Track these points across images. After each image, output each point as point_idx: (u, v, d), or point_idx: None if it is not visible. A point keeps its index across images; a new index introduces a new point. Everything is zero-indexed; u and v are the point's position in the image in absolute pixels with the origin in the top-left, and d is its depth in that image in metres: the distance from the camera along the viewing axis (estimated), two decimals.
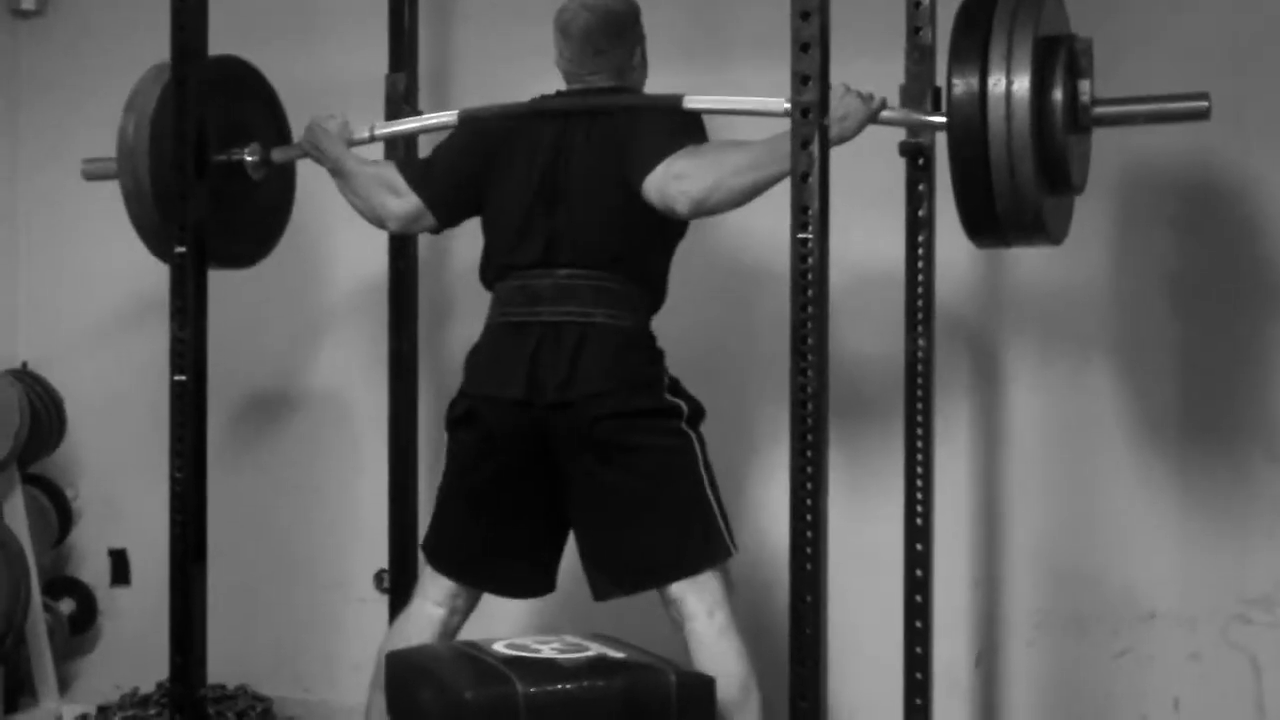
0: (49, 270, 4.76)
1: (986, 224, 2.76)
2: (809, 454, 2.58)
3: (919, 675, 3.24)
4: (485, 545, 3.15)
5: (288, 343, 4.44)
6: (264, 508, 4.37)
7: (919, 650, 3.24)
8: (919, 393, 3.24)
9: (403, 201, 3.24)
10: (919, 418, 3.24)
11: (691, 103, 3.05)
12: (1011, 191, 2.67)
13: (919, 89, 3.14)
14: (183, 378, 3.19)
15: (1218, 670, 3.54)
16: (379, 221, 3.30)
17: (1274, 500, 3.50)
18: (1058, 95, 2.71)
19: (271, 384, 4.42)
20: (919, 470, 3.24)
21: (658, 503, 3.01)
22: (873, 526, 3.47)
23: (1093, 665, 3.64)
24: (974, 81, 2.66)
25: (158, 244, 3.36)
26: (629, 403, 2.99)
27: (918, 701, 3.24)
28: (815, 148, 2.60)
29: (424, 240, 3.75)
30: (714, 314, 3.87)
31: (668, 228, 3.10)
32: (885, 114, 2.93)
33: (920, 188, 3.24)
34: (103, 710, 4.33)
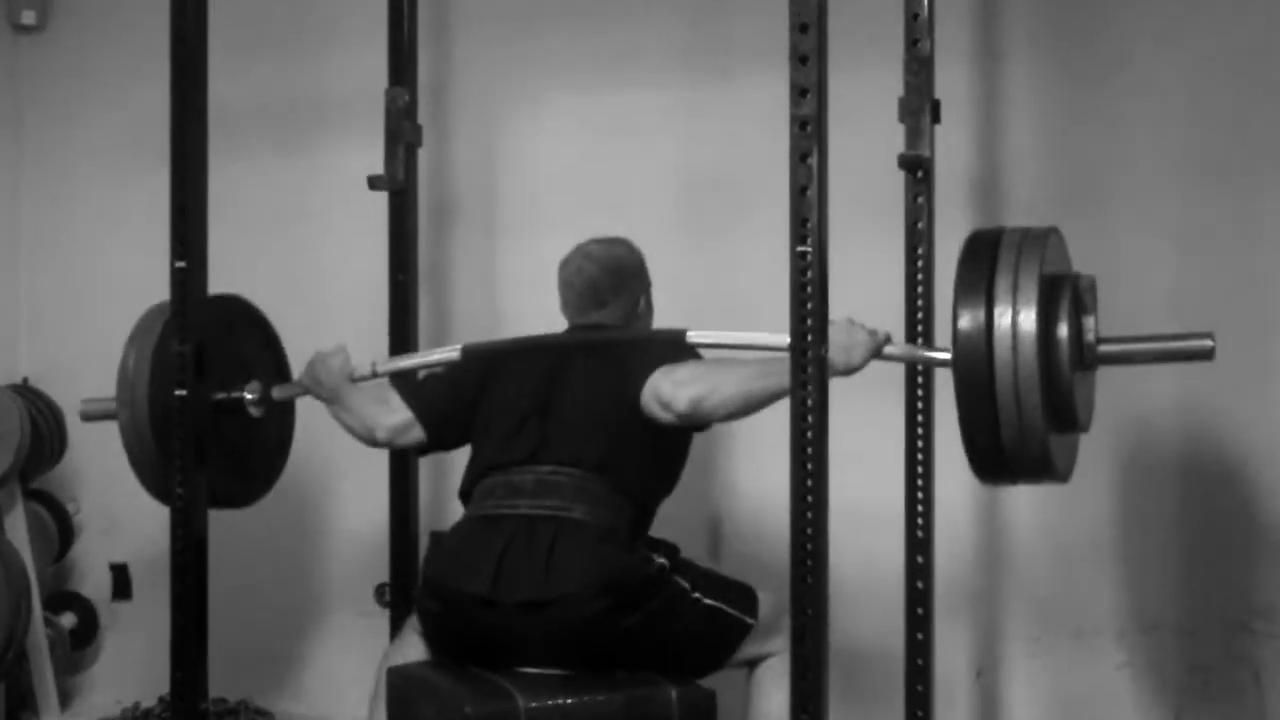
0: (50, 285, 4.77)
1: (993, 461, 2.68)
2: (809, 466, 2.58)
3: (920, 687, 3.24)
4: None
5: (291, 352, 4.43)
6: (265, 521, 4.36)
7: (920, 662, 3.24)
8: (919, 404, 3.24)
9: (394, 414, 3.23)
10: (919, 429, 3.24)
11: (695, 337, 3.02)
12: (1019, 428, 2.60)
13: (917, 101, 3.14)
14: (184, 392, 3.19)
15: (1220, 682, 3.54)
16: (369, 433, 3.27)
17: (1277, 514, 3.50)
18: (1063, 331, 2.65)
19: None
20: (920, 482, 3.24)
21: (671, 652, 2.92)
22: (873, 534, 3.46)
23: (1094, 677, 3.63)
24: (980, 316, 2.60)
25: (154, 480, 3.32)
26: (614, 596, 2.85)
27: (919, 713, 3.24)
28: (814, 160, 2.60)
29: (424, 249, 3.71)
30: None
31: (663, 452, 3.06)
32: (890, 350, 2.87)
33: (919, 200, 3.24)
34: None
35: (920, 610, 3.24)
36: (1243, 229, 3.51)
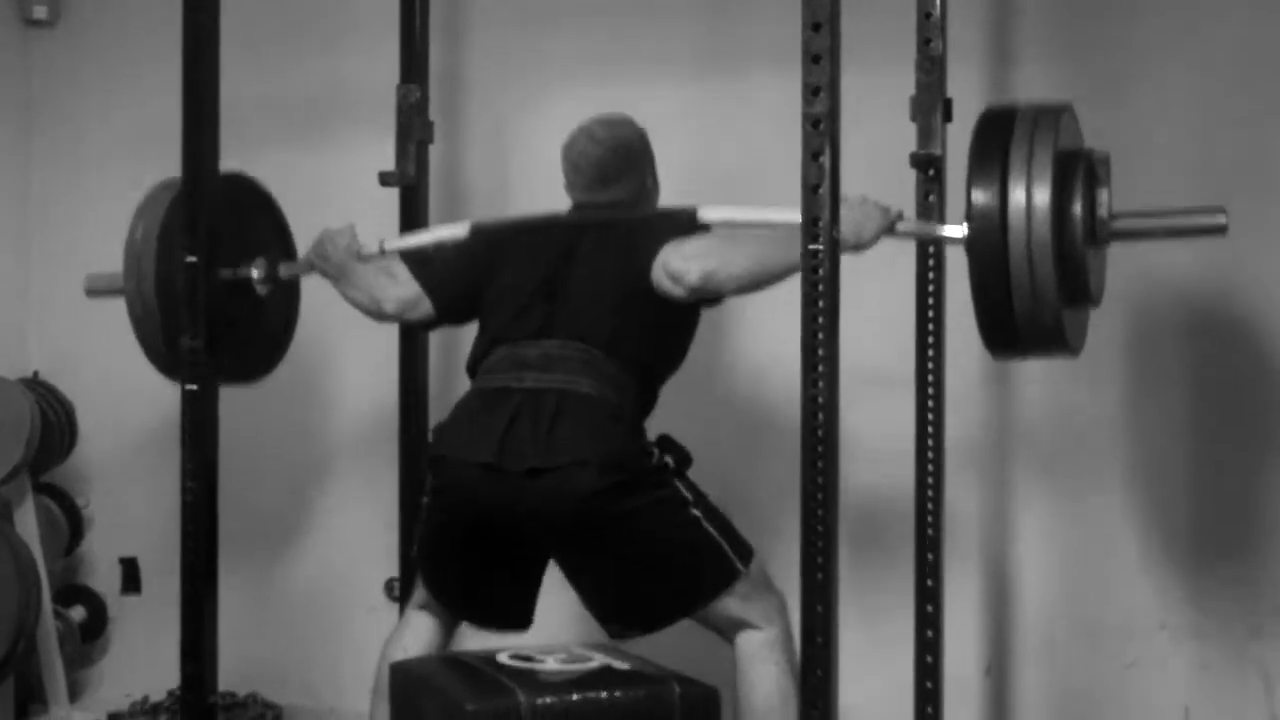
0: (60, 279, 4.76)
1: (1006, 337, 2.72)
2: (820, 465, 2.58)
3: (930, 684, 3.25)
4: (461, 589, 3.11)
5: (299, 349, 4.44)
6: (274, 515, 4.38)
7: (930, 659, 3.24)
8: (930, 402, 3.25)
9: (401, 287, 3.22)
10: (929, 422, 3.25)
11: (707, 214, 3.03)
12: (1031, 303, 2.64)
13: (929, 100, 3.14)
14: (194, 386, 3.20)
15: (1229, 681, 3.54)
16: (376, 306, 3.26)
17: None
18: (1078, 207, 2.68)
19: (283, 390, 4.42)
20: (930, 480, 3.24)
21: (658, 560, 2.92)
22: (884, 534, 3.47)
23: (1103, 675, 3.63)
24: (994, 194, 2.64)
25: (159, 355, 3.36)
26: (613, 476, 2.85)
27: (929, 710, 3.25)
28: (826, 159, 2.60)
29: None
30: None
31: (671, 329, 3.06)
32: (902, 226, 2.89)
33: (930, 198, 3.24)
34: (113, 718, 4.34)
35: (930, 608, 3.24)
36: (1252, 230, 3.51)
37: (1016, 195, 2.63)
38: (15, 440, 4.26)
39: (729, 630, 2.95)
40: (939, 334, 3.25)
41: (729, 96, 3.68)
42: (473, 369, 3.11)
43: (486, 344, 3.08)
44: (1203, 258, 3.37)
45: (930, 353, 3.24)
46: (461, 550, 3.04)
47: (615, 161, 3.14)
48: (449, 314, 3.24)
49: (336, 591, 4.35)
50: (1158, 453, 3.60)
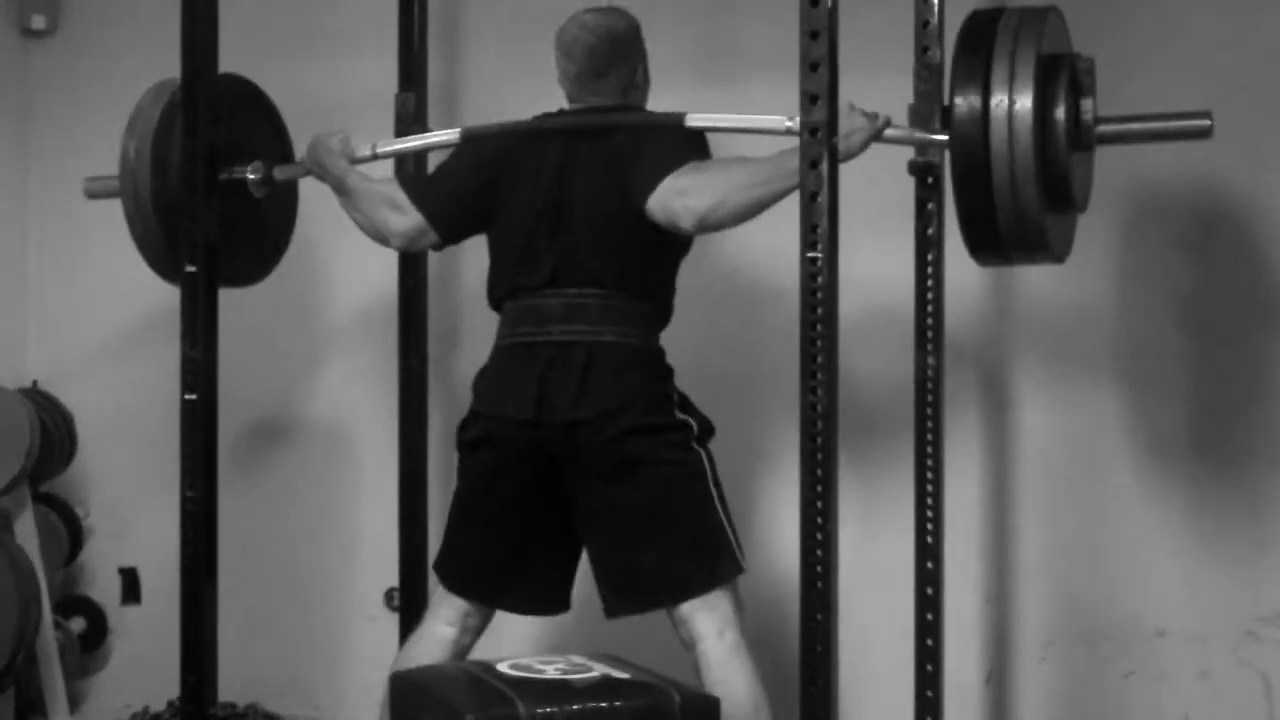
0: (59, 288, 4.77)
1: (989, 241, 2.77)
2: (819, 472, 2.58)
3: (930, 693, 3.24)
4: (499, 564, 3.15)
5: (298, 358, 4.45)
6: (274, 526, 4.38)
7: (930, 668, 3.24)
8: (929, 410, 3.25)
9: (405, 218, 3.23)
10: (929, 436, 3.25)
11: (694, 121, 3.05)
12: (1014, 209, 2.69)
13: (928, 108, 3.14)
14: (193, 396, 3.20)
15: (1229, 688, 3.54)
16: (381, 238, 3.29)
17: None
18: (1060, 113, 2.72)
19: (282, 402, 4.43)
20: (929, 489, 3.25)
21: (668, 520, 3.01)
22: (883, 544, 3.47)
23: (1103, 683, 3.63)
24: (976, 100, 2.68)
25: (160, 263, 3.38)
26: (639, 420, 2.99)
27: (929, 718, 3.24)
28: (824, 167, 2.61)
29: (433, 259, 3.76)
30: (722, 330, 3.88)
31: (672, 245, 3.12)
32: (889, 132, 2.92)
33: (929, 206, 3.25)
34: None
35: (930, 616, 3.24)
36: (1251, 233, 3.52)
37: (998, 99, 2.66)
38: (14, 450, 4.26)
39: (704, 630, 2.98)
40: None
41: (726, 105, 3.64)
42: (495, 305, 3.19)
43: (505, 288, 3.15)
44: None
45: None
46: (500, 508, 3.11)
47: (606, 49, 3.17)
48: (453, 239, 3.31)
49: (336, 602, 4.35)
50: (1158, 448, 3.60)
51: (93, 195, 3.55)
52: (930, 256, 3.24)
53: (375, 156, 3.34)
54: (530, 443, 3.04)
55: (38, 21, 4.74)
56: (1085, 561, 3.66)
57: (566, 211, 3.09)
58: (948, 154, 2.82)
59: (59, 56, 4.79)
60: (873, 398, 3.65)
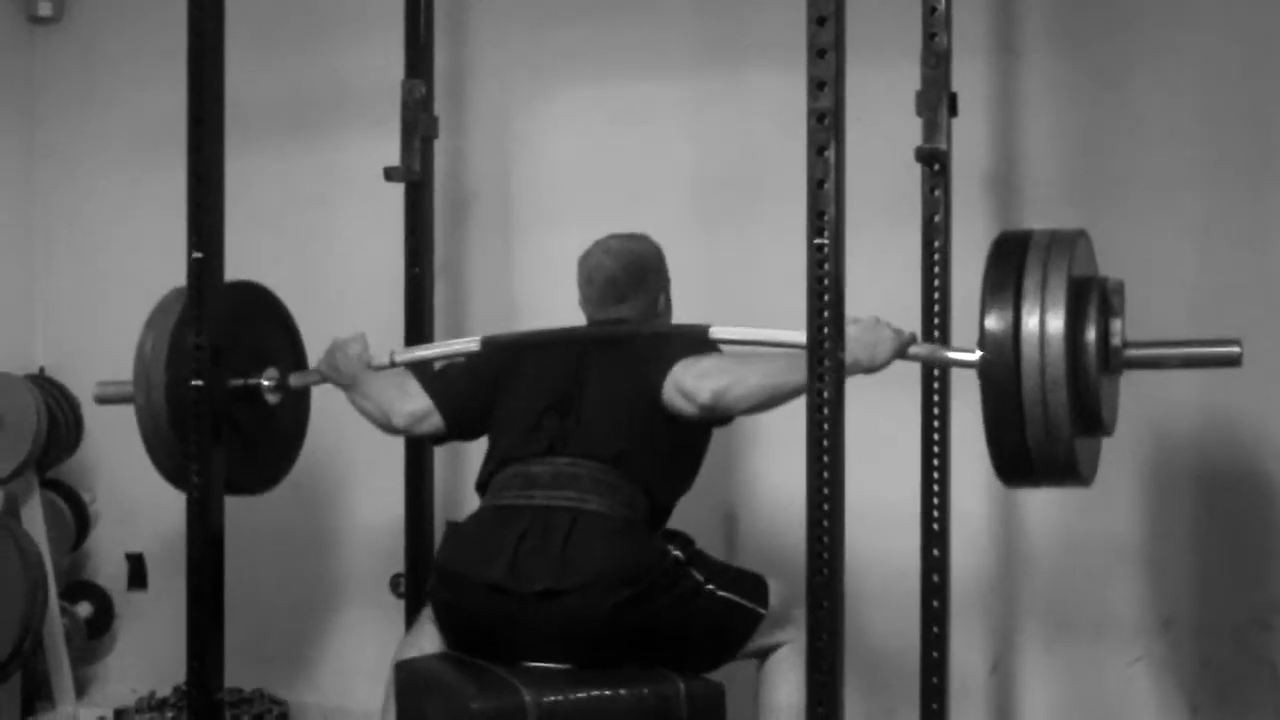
0: (66, 276, 4.78)
1: (1018, 463, 2.67)
2: (825, 459, 2.57)
3: (935, 681, 3.24)
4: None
5: (306, 346, 4.44)
6: (281, 512, 4.38)
7: (935, 656, 3.24)
8: (935, 397, 3.24)
9: (411, 401, 3.22)
10: (935, 422, 3.24)
11: (718, 333, 3.02)
12: (1045, 430, 2.59)
13: (934, 95, 3.14)
14: (200, 383, 3.20)
15: (1235, 677, 3.53)
16: (386, 419, 3.26)
17: None
18: (1091, 335, 2.63)
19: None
20: (935, 475, 3.24)
21: (682, 641, 2.91)
22: (889, 531, 3.46)
23: (1109, 672, 3.63)
24: (1009, 318, 2.59)
25: (169, 464, 3.33)
26: (631, 588, 2.84)
27: (934, 707, 3.24)
28: (831, 153, 2.60)
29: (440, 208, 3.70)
30: None
31: (682, 447, 3.06)
32: (914, 350, 2.86)
33: (936, 193, 3.24)
34: (120, 714, 4.35)
35: (936, 604, 3.24)
36: (1260, 225, 3.51)
37: (1030, 323, 2.58)
38: (22, 436, 4.27)
39: (762, 656, 2.98)
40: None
41: (732, 91, 3.67)
42: (482, 486, 3.10)
43: (496, 462, 3.08)
44: None
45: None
46: (479, 646, 2.98)
47: (628, 278, 3.16)
48: (458, 428, 3.24)
49: (343, 588, 4.36)
50: (1167, 434, 3.60)
51: (103, 400, 3.48)
52: (937, 243, 3.24)
53: (393, 364, 3.33)
54: (497, 612, 2.87)
55: (44, 8, 4.74)
56: (1092, 550, 3.65)
57: (577, 398, 3.03)
58: (958, 154, 2.75)
59: (65, 43, 4.79)
60: (878, 383, 3.64)
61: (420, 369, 3.37)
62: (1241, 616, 3.53)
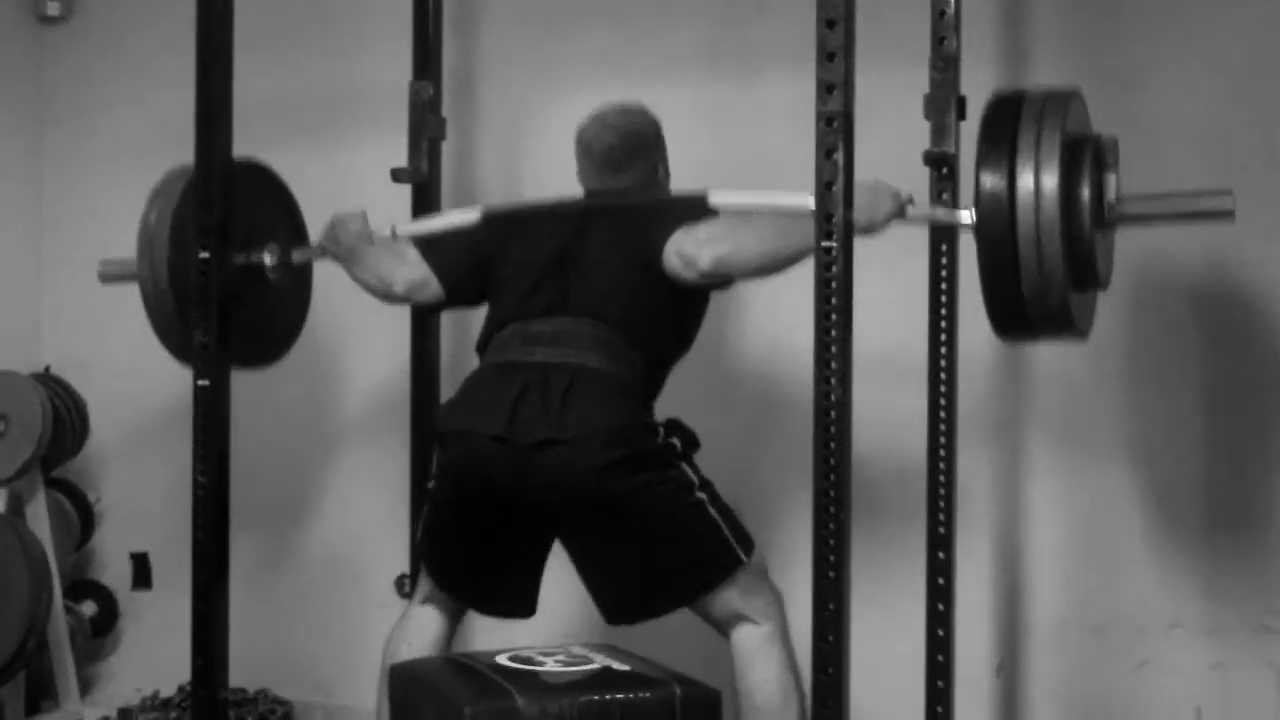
0: (72, 274, 4.77)
1: (1015, 318, 2.76)
2: (832, 445, 2.58)
3: (941, 683, 3.24)
4: (465, 574, 3.10)
5: (310, 345, 4.45)
6: (285, 512, 4.38)
7: (941, 658, 3.24)
8: (941, 388, 3.24)
9: (410, 268, 3.24)
10: (941, 417, 3.24)
11: (717, 198, 3.04)
12: (1040, 287, 2.68)
13: (943, 98, 3.13)
14: (206, 382, 3.20)
15: (1241, 681, 3.53)
16: (385, 288, 3.28)
17: None
18: (1085, 192, 2.70)
19: (294, 388, 4.43)
20: (941, 478, 3.24)
21: (661, 541, 2.93)
22: (895, 533, 3.46)
23: (1115, 674, 3.63)
24: (1003, 179, 2.67)
25: (173, 339, 3.37)
26: (621, 450, 2.86)
27: (939, 709, 3.24)
28: (840, 156, 2.60)
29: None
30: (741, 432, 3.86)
31: (681, 313, 3.08)
32: (912, 210, 2.92)
33: (944, 197, 3.23)
34: (124, 713, 4.35)
35: (941, 606, 3.23)
36: (1269, 230, 3.51)
37: (1025, 180, 2.66)
38: (27, 435, 4.28)
39: (727, 623, 2.95)
40: (952, 318, 3.23)
41: (741, 93, 3.67)
42: (482, 347, 3.12)
43: (497, 322, 3.10)
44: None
45: (943, 337, 3.23)
46: (466, 528, 3.03)
47: (626, 148, 3.16)
48: (457, 294, 3.26)
49: (347, 588, 4.36)
50: (1170, 444, 3.59)
51: (107, 279, 3.54)
52: (944, 247, 3.23)
53: (395, 238, 3.34)
54: (495, 462, 2.90)
55: (53, 8, 4.75)
56: (1098, 552, 3.65)
57: (578, 262, 3.05)
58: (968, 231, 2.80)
59: (73, 42, 4.79)
60: (884, 379, 3.64)
61: (420, 239, 3.36)
62: (1249, 620, 3.52)
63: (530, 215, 3.20)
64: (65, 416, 4.43)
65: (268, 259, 3.42)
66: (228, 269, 3.26)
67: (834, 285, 2.60)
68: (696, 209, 3.02)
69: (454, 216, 3.38)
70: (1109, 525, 3.64)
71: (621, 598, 3.00)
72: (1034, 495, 3.70)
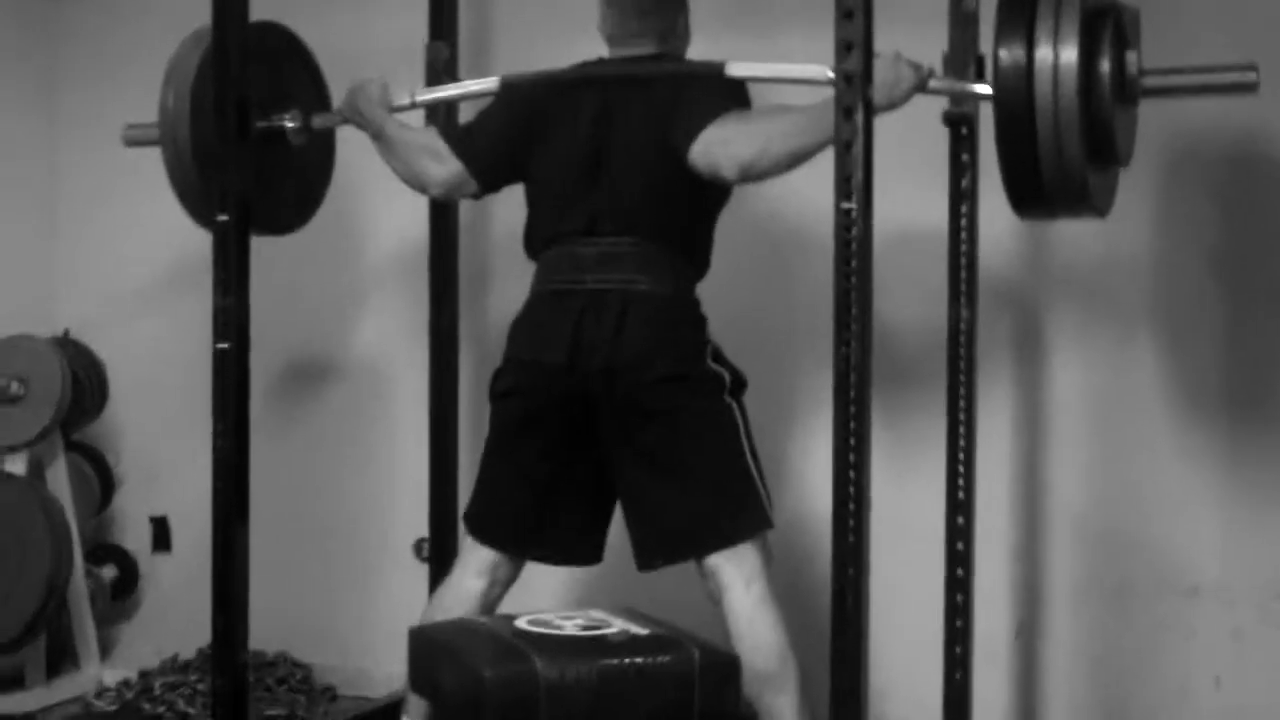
0: (89, 237, 4.78)
1: (1032, 195, 2.75)
2: (852, 425, 2.57)
3: (959, 649, 3.23)
4: (529, 512, 3.15)
5: (329, 309, 4.45)
6: (304, 475, 4.39)
7: (959, 624, 3.23)
8: (961, 364, 3.23)
9: (445, 167, 3.23)
10: (961, 389, 3.23)
11: (734, 70, 3.03)
12: (1058, 163, 2.66)
13: (962, 57, 3.11)
14: (225, 345, 3.20)
15: (1259, 648, 3.52)
16: (421, 187, 3.30)
17: None
18: (1105, 66, 2.69)
19: (312, 351, 4.44)
20: (961, 443, 3.23)
21: (698, 469, 3.01)
22: (914, 499, 3.45)
23: (1134, 639, 3.62)
24: (1020, 52, 2.65)
25: (199, 209, 3.37)
26: (672, 369, 3.00)
27: (958, 674, 3.24)
28: (859, 116, 2.58)
29: (465, 205, 3.75)
30: (756, 283, 3.86)
31: (711, 194, 3.11)
32: (933, 83, 2.90)
33: (963, 158, 3.21)
34: (144, 675, 4.37)
35: (960, 571, 3.23)
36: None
37: (1043, 53, 2.63)
38: (46, 399, 4.28)
39: (731, 581, 2.99)
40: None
41: (761, 53, 3.61)
42: (532, 254, 3.19)
43: (542, 238, 3.16)
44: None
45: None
46: (529, 456, 3.11)
47: None
48: (492, 188, 3.31)
49: (366, 551, 4.36)
50: (1194, 402, 3.58)
51: (132, 142, 3.54)
52: (964, 208, 3.21)
53: (414, 105, 3.34)
54: (564, 389, 3.04)
55: None
56: (1118, 516, 3.64)
57: (605, 160, 3.08)
58: (987, 107, 2.79)
59: (86, 11, 4.77)
60: (905, 349, 3.63)
61: (449, 128, 3.40)
62: (1268, 587, 3.51)
63: (555, 102, 3.18)
64: (84, 380, 4.44)
65: (289, 123, 3.40)
66: (251, 141, 3.25)
67: (853, 247, 2.58)
68: (719, 98, 3.02)
69: (472, 85, 3.38)
70: (1129, 488, 3.63)
71: (657, 529, 3.05)
72: (1055, 456, 3.69)
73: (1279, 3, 3.48)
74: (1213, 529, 3.55)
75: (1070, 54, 2.62)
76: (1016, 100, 2.66)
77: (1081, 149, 2.65)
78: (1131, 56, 2.75)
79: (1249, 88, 2.77)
